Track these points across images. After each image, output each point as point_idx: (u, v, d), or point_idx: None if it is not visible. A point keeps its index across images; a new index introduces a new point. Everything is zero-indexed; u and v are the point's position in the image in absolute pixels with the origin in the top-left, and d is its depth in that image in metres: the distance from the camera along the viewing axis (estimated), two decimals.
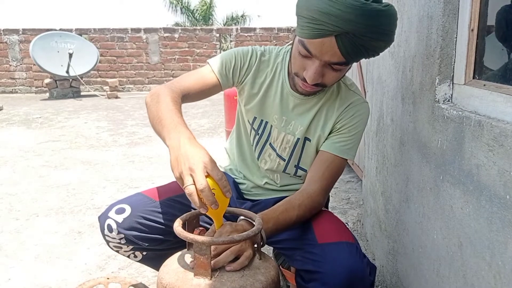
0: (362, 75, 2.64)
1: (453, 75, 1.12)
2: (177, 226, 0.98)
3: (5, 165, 3.51)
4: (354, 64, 2.80)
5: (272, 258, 1.06)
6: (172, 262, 1.02)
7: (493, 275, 0.86)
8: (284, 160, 1.36)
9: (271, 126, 1.36)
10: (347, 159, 1.27)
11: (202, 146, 0.98)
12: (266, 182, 1.43)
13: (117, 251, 1.33)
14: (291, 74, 1.25)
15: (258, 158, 1.41)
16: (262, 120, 1.37)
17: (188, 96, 1.25)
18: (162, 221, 1.30)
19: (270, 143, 1.37)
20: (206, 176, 0.92)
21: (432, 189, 1.16)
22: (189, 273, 0.94)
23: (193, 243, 0.92)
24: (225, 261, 0.95)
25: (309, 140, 1.32)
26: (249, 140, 1.43)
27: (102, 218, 1.29)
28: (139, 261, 1.40)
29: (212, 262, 0.92)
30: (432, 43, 1.15)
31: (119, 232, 1.25)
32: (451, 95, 1.12)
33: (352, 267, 1.11)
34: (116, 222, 1.25)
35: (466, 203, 0.96)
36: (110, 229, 1.26)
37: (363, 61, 2.60)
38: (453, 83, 1.12)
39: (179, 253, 1.05)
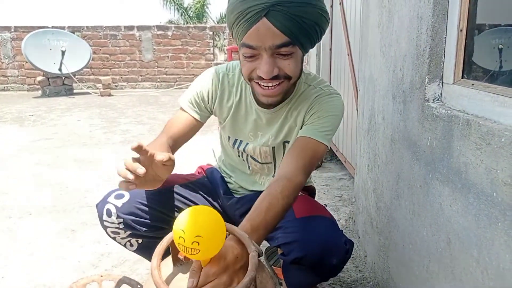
0: (354, 73, 2.65)
1: (442, 74, 1.13)
2: (154, 269, 0.85)
3: None
4: (346, 62, 2.83)
5: (270, 276, 0.99)
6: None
7: (480, 271, 0.88)
8: (270, 163, 1.41)
9: (247, 143, 1.41)
10: (322, 143, 1.21)
11: None
12: (255, 184, 1.48)
13: (114, 238, 1.36)
14: (252, 86, 1.23)
15: (247, 164, 1.48)
16: (236, 139, 1.42)
17: (176, 142, 1.31)
18: (160, 209, 1.35)
19: (250, 155, 1.43)
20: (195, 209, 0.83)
21: (422, 187, 1.18)
22: None
23: None
24: None
25: (288, 142, 1.36)
26: (233, 151, 1.49)
27: (101, 204, 1.32)
28: (134, 251, 1.42)
29: None
30: (422, 43, 1.16)
31: (118, 216, 1.28)
32: (441, 94, 1.14)
33: (327, 235, 1.18)
34: (116, 206, 1.29)
35: (455, 200, 0.98)
36: (109, 214, 1.29)
37: (355, 59, 2.62)
38: (442, 82, 1.14)
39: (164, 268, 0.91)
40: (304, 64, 1.26)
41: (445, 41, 1.12)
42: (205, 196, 1.48)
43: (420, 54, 1.18)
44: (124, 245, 1.39)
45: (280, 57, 1.13)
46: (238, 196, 1.49)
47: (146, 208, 1.31)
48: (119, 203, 1.29)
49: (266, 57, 1.11)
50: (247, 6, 1.07)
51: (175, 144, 1.30)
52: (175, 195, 1.41)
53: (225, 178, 1.54)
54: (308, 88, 1.31)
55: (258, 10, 1.06)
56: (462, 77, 1.08)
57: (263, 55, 1.12)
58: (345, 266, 1.80)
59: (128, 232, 1.32)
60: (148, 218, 1.31)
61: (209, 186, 1.52)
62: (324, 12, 1.14)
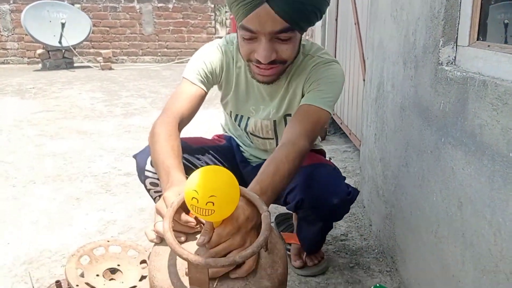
0: (362, 42, 2.62)
1: (457, 37, 1.11)
2: (167, 231, 0.82)
3: (0, 134, 3.48)
4: (353, 31, 2.79)
5: (279, 239, 0.98)
6: (165, 258, 0.89)
7: (493, 232, 0.87)
8: (272, 138, 1.42)
9: (248, 117, 1.41)
10: (324, 109, 1.20)
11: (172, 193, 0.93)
12: (267, 153, 1.48)
13: (149, 190, 1.38)
14: (249, 66, 1.22)
15: (251, 142, 1.51)
16: (237, 115, 1.42)
17: (185, 119, 1.26)
18: (197, 165, 1.35)
19: (250, 132, 1.43)
20: (208, 168, 0.81)
21: (432, 152, 1.16)
22: (185, 280, 0.84)
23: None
24: (226, 271, 0.84)
25: (290, 115, 1.35)
26: (236, 126, 1.49)
27: (143, 154, 1.33)
28: None
29: (210, 273, 0.81)
30: (437, 5, 1.14)
31: None
32: (455, 57, 1.12)
33: (326, 177, 1.24)
34: None
35: (468, 163, 0.97)
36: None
37: (362, 28, 2.58)
38: (457, 45, 1.11)
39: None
40: (306, 36, 1.24)
41: (460, 2, 1.09)
42: (229, 161, 1.50)
43: (434, 17, 1.15)
44: (154, 199, 1.41)
45: (278, 41, 1.12)
46: (254, 165, 1.51)
47: (187, 163, 1.31)
48: None
49: (264, 42, 1.10)
50: None
51: (184, 121, 1.27)
52: (209, 155, 1.44)
53: (240, 147, 1.55)
54: (306, 58, 1.29)
55: None
56: (478, 39, 1.06)
57: (261, 39, 1.10)
58: (350, 235, 1.81)
59: None
60: (186, 174, 1.32)
61: (231, 152, 1.54)
62: None
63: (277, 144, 1.43)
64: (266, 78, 1.21)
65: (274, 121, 1.37)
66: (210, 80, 1.33)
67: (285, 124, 1.37)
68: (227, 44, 1.35)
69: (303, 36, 1.26)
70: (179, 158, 1.12)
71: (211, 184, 0.77)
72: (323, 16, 1.21)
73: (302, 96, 1.29)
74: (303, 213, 1.32)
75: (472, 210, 0.96)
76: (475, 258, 0.94)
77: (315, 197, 1.20)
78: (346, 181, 1.32)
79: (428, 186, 1.21)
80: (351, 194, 1.25)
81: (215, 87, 1.42)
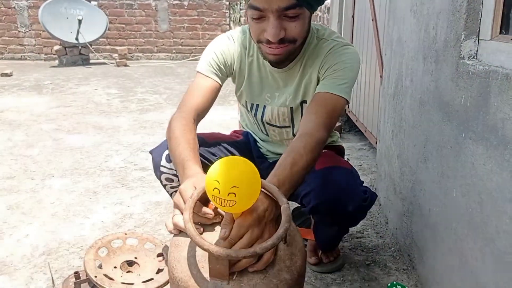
0: (379, 39, 2.60)
1: (479, 30, 1.10)
2: (187, 222, 0.82)
3: (18, 129, 3.53)
4: (370, 28, 2.77)
5: (297, 231, 0.98)
6: (185, 250, 0.89)
7: None
8: (288, 127, 1.41)
9: (264, 106, 1.40)
10: (341, 96, 1.18)
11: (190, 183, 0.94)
12: (282, 147, 1.48)
13: (165, 186, 1.38)
14: (260, 47, 1.21)
15: (267, 135, 1.47)
16: (253, 104, 1.41)
17: (200, 113, 1.27)
18: (212, 160, 1.35)
19: (267, 122, 1.42)
20: (230, 160, 0.80)
21: (452, 147, 1.15)
22: (205, 271, 0.84)
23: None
24: (246, 265, 0.84)
25: (305, 102, 1.34)
26: (251, 118, 1.49)
27: (159, 150, 1.34)
28: None
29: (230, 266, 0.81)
30: None
31: None
32: (476, 51, 1.11)
33: (342, 182, 1.20)
34: None
35: (489, 158, 0.96)
36: (169, 160, 1.30)
37: (380, 24, 2.56)
38: (479, 38, 1.10)
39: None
40: (314, 21, 1.23)
41: None
42: (246, 156, 1.49)
43: (456, 10, 1.14)
44: (171, 195, 1.42)
45: (287, 19, 1.11)
46: (271, 161, 1.50)
47: (203, 160, 1.29)
48: None
49: (273, 20, 1.10)
50: None
51: (200, 115, 1.28)
52: (225, 151, 1.44)
53: (257, 143, 1.55)
54: (320, 42, 1.27)
55: None
56: (500, 32, 1.04)
57: (270, 17, 1.10)
58: (366, 233, 1.80)
59: None
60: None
61: (248, 148, 1.53)
62: None
63: (293, 133, 1.41)
64: (277, 57, 1.20)
65: (291, 107, 1.35)
66: (223, 71, 1.33)
67: (302, 110, 1.36)
68: (238, 34, 1.35)
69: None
70: (196, 151, 1.13)
71: (233, 174, 0.76)
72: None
73: (318, 81, 1.26)
74: (318, 217, 1.32)
75: (492, 205, 0.95)
76: (495, 254, 0.93)
77: (330, 203, 1.18)
78: (362, 180, 1.30)
79: (447, 182, 1.19)
80: (368, 200, 1.22)
81: (231, 84, 1.42)
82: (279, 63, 1.24)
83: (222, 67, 1.32)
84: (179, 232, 0.93)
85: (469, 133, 1.05)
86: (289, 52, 1.19)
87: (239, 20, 10.04)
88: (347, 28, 3.62)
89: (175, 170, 1.29)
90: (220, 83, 1.32)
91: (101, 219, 1.95)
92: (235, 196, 0.75)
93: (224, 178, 0.76)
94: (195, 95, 1.28)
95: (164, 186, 1.39)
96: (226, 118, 3.83)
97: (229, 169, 0.77)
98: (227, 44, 1.33)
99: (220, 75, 1.32)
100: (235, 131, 1.62)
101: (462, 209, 1.10)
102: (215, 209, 0.92)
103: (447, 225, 1.20)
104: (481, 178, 0.99)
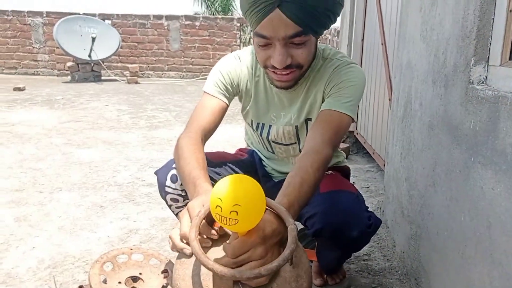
0: (388, 62, 2.62)
1: (488, 56, 1.11)
2: (193, 240, 0.83)
3: (29, 142, 3.57)
4: (379, 51, 2.80)
5: (304, 253, 0.98)
6: (190, 268, 0.90)
7: None
8: (295, 143, 1.41)
9: (270, 125, 1.41)
10: (345, 114, 1.19)
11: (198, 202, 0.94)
12: (288, 165, 1.48)
13: (170, 206, 1.38)
14: (266, 72, 1.24)
15: (273, 153, 1.47)
16: (258, 123, 1.42)
17: (207, 132, 1.28)
18: (218, 180, 1.34)
19: (272, 140, 1.42)
20: (234, 176, 0.81)
21: (461, 171, 1.15)
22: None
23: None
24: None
25: (310, 120, 1.35)
26: (257, 137, 1.50)
27: (164, 170, 1.33)
28: None
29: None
30: (469, 24, 1.14)
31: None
32: (486, 77, 1.12)
33: (347, 207, 1.19)
34: None
35: (498, 182, 0.96)
36: (174, 179, 1.30)
37: (389, 48, 2.58)
38: (488, 64, 1.11)
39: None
40: (323, 43, 1.24)
41: (493, 22, 1.09)
42: (251, 175, 1.49)
43: (466, 36, 1.15)
44: (176, 215, 1.41)
45: (293, 46, 1.13)
46: (276, 180, 1.50)
47: (211, 181, 1.31)
48: None
49: (279, 47, 1.11)
50: None
51: (207, 134, 1.29)
52: (231, 171, 1.43)
53: (262, 161, 1.55)
54: (325, 62, 1.29)
55: (271, 1, 1.05)
56: (510, 58, 1.05)
57: (276, 45, 1.11)
58: (373, 255, 1.79)
59: (187, 201, 1.32)
60: None
61: (254, 166, 1.53)
62: None
63: (300, 149, 1.42)
64: (284, 83, 1.22)
65: (296, 126, 1.36)
66: (229, 90, 1.34)
67: (307, 128, 1.36)
68: (246, 54, 1.36)
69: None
70: (205, 170, 1.13)
71: (235, 192, 0.76)
72: (335, 21, 1.20)
73: (323, 99, 1.27)
74: (322, 240, 1.31)
75: (501, 229, 0.94)
76: (503, 279, 0.93)
77: (334, 228, 1.17)
78: (367, 205, 1.29)
79: (456, 206, 1.19)
80: (372, 226, 1.21)
81: (238, 102, 1.44)
82: (286, 88, 1.26)
83: (229, 87, 1.33)
84: (178, 250, 0.93)
85: (478, 157, 1.05)
86: (296, 78, 1.21)
87: (249, 41, 10.14)
88: (357, 51, 3.66)
89: (180, 191, 1.30)
90: (227, 103, 1.34)
91: (107, 234, 1.95)
92: (237, 214, 0.75)
93: (226, 196, 0.75)
94: (202, 115, 1.29)
95: (170, 206, 1.39)
96: (234, 136, 3.85)
97: (232, 187, 0.77)
98: (233, 64, 1.34)
99: (227, 95, 1.33)
100: (240, 149, 1.63)
101: (470, 233, 1.09)
102: (221, 228, 0.92)
103: (455, 249, 1.19)
104: (490, 202, 0.99)
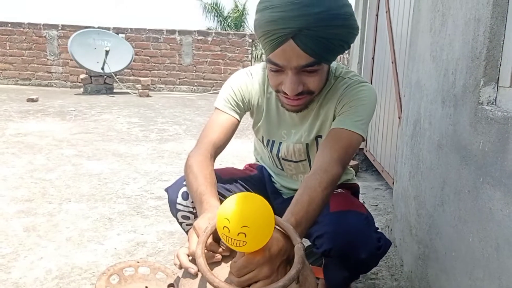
0: (398, 81, 2.62)
1: (498, 77, 1.11)
2: (199, 257, 0.83)
3: (40, 153, 3.62)
4: (389, 70, 2.81)
5: (311, 271, 0.97)
6: (196, 285, 0.90)
7: None
8: (305, 160, 1.41)
9: (280, 142, 1.41)
10: (356, 133, 1.19)
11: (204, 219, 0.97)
12: (297, 182, 1.48)
13: (181, 224, 1.37)
14: (278, 96, 1.25)
15: (282, 169, 1.47)
16: (269, 140, 1.43)
17: (217, 148, 1.29)
18: (227, 196, 1.34)
19: (282, 158, 1.43)
20: (242, 197, 0.80)
21: (470, 192, 1.15)
22: None
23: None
24: None
25: (321, 137, 1.35)
26: (267, 154, 1.50)
27: (174, 187, 1.33)
28: None
29: None
30: (479, 45, 1.14)
31: None
32: (495, 98, 1.12)
33: (356, 228, 1.17)
34: None
35: (507, 204, 0.95)
36: (185, 197, 1.29)
37: (399, 66, 2.59)
38: (498, 85, 1.11)
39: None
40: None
41: (503, 43, 1.09)
42: (260, 192, 1.50)
43: (475, 57, 1.16)
44: (187, 232, 1.41)
45: (305, 74, 1.13)
46: (285, 197, 1.50)
47: (220, 197, 1.29)
48: None
49: (291, 75, 1.12)
50: (274, 28, 1.07)
51: (217, 150, 1.29)
52: (242, 188, 1.43)
53: (271, 178, 1.55)
54: (337, 81, 1.29)
55: (285, 33, 1.06)
56: None
57: (288, 72, 1.12)
58: (380, 274, 1.77)
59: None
60: None
61: (263, 183, 1.53)
62: (353, 29, 1.12)
63: (310, 165, 1.42)
64: (294, 108, 1.23)
65: (307, 144, 1.36)
66: (240, 107, 1.34)
67: (317, 145, 1.36)
68: (258, 70, 1.37)
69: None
70: (213, 185, 1.14)
71: (245, 213, 0.74)
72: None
73: (334, 117, 1.27)
74: (330, 260, 1.30)
75: (509, 252, 0.93)
76: None
77: (343, 248, 1.16)
78: (377, 226, 1.28)
79: (464, 227, 1.18)
80: (382, 248, 1.20)
81: (249, 118, 1.44)
82: (296, 111, 1.28)
83: (240, 103, 1.34)
84: (181, 267, 0.93)
85: (487, 178, 1.05)
86: (306, 102, 1.22)
87: (260, 56, 10.22)
88: (367, 69, 3.67)
89: (192, 208, 1.30)
90: (238, 119, 1.34)
91: (114, 246, 1.96)
92: (245, 236, 0.74)
93: (234, 217, 0.74)
94: (212, 130, 1.29)
95: (181, 223, 1.38)
96: (242, 150, 3.85)
97: (240, 207, 0.75)
98: (245, 80, 1.35)
99: (238, 111, 1.33)
100: (249, 165, 1.63)
101: (479, 254, 1.08)
102: (226, 250, 0.92)
103: (462, 270, 1.18)
104: (499, 224, 0.98)
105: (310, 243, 1.81)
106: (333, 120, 1.27)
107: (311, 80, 1.15)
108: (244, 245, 0.75)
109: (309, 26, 1.04)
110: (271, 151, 1.44)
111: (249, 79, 1.35)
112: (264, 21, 1.09)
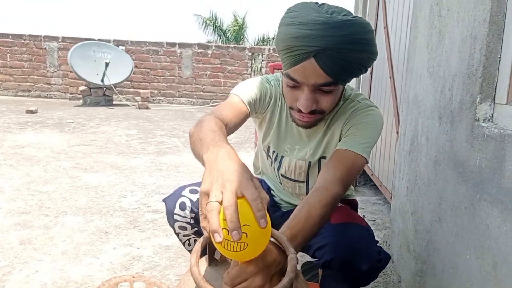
0: (396, 96, 2.63)
1: (494, 94, 1.11)
2: (193, 266, 0.82)
3: (38, 165, 3.61)
4: (388, 85, 2.82)
5: (305, 284, 0.97)
6: None
7: None
8: (302, 182, 1.41)
9: (282, 156, 1.41)
10: (360, 155, 1.19)
11: (243, 162, 0.87)
12: (299, 197, 1.47)
13: (178, 234, 1.36)
14: (290, 111, 1.25)
15: (280, 184, 1.47)
16: (273, 152, 1.43)
17: (227, 126, 1.21)
18: None
19: (281, 174, 1.43)
20: (240, 198, 0.76)
21: (467, 208, 1.14)
22: None
23: None
24: None
25: (325, 158, 1.35)
26: (268, 166, 1.49)
27: (172, 198, 1.32)
28: (190, 250, 1.41)
29: None
30: (475, 62, 1.15)
31: (192, 211, 1.27)
32: (492, 115, 1.12)
33: (358, 240, 1.17)
34: (191, 200, 1.28)
35: (504, 221, 0.95)
36: (183, 207, 1.28)
37: (397, 82, 2.60)
38: (494, 102, 1.11)
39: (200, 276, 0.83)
40: None
41: (499, 61, 1.10)
42: None
43: (472, 74, 1.16)
44: (183, 243, 1.40)
45: (320, 93, 1.14)
46: (284, 210, 1.50)
47: None
48: (194, 197, 1.28)
49: (307, 92, 1.13)
50: (298, 45, 1.08)
51: (228, 128, 1.20)
52: None
53: (271, 191, 1.54)
54: (346, 102, 1.31)
55: (308, 51, 1.07)
56: None
57: (304, 89, 1.13)
58: None
59: (195, 229, 1.32)
60: None
61: None
62: (374, 55, 1.14)
63: (307, 189, 1.42)
64: (305, 123, 1.24)
65: (309, 162, 1.36)
66: (256, 106, 1.32)
67: (319, 167, 1.37)
68: (274, 80, 1.38)
69: None
70: (225, 135, 1.05)
71: (244, 212, 0.74)
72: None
73: (340, 138, 1.29)
74: (330, 272, 1.30)
75: (507, 269, 0.93)
76: None
77: (344, 260, 1.16)
78: (377, 240, 1.28)
79: (461, 243, 1.18)
80: (382, 261, 1.20)
81: (248, 130, 1.43)
82: (305, 127, 1.28)
83: (257, 102, 1.32)
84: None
85: (484, 195, 1.05)
86: (316, 120, 1.24)
87: (260, 70, 10.27)
88: (365, 85, 3.68)
89: (189, 218, 1.29)
90: (250, 113, 1.30)
91: (110, 260, 1.94)
92: (246, 236, 0.73)
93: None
94: (227, 109, 1.23)
95: (177, 234, 1.38)
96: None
97: (240, 208, 0.74)
98: (266, 85, 1.35)
99: (253, 106, 1.31)
100: None
101: (476, 271, 1.07)
102: (222, 256, 0.92)
103: (460, 287, 1.17)
104: (496, 241, 0.98)
105: (306, 261, 1.82)
106: (339, 141, 1.28)
107: (325, 100, 1.16)
108: (246, 247, 0.75)
109: (333, 47, 1.05)
110: (273, 164, 1.43)
111: (269, 86, 1.36)
112: (288, 36, 1.09)
